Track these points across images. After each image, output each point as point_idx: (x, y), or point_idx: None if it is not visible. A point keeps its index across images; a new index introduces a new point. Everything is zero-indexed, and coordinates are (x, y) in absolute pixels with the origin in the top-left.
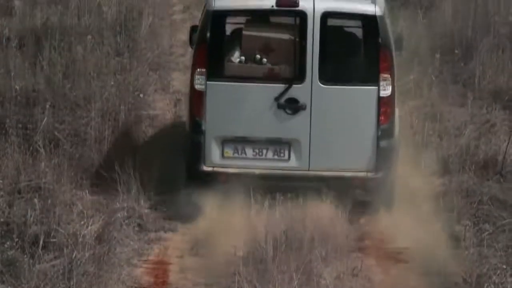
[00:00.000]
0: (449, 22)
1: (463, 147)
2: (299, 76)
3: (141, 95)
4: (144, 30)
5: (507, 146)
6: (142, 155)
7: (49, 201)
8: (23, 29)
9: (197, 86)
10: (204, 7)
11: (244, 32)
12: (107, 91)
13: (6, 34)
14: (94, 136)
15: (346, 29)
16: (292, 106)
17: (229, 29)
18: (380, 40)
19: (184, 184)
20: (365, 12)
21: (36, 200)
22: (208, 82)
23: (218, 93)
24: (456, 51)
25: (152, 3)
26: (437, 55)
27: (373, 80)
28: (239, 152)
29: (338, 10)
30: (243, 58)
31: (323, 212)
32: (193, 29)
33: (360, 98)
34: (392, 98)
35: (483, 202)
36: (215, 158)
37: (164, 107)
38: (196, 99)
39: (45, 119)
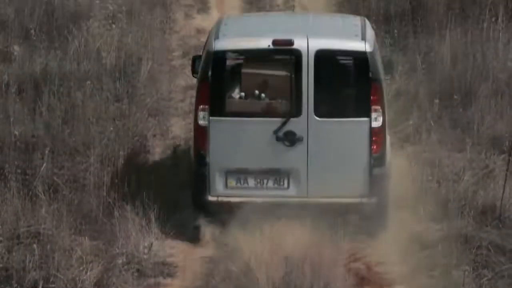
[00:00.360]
0: (448, 68)
1: (461, 193)
2: (296, 110)
3: (140, 141)
4: (143, 76)
5: (503, 192)
6: (141, 200)
7: (48, 247)
8: (23, 74)
9: (200, 122)
10: (205, 47)
11: (244, 70)
12: (106, 136)
13: (5, 80)
14: (93, 182)
15: (338, 65)
16: (290, 139)
17: (229, 67)
18: (370, 74)
19: (189, 216)
20: (355, 49)
21: (35, 246)
22: (211, 118)
23: (221, 127)
24: (455, 97)
25: (151, 49)
26: (436, 101)
27: (365, 112)
28: (242, 182)
29: (331, 48)
30: (243, 94)
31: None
32: (194, 59)
33: (353, 129)
34: (383, 128)
35: (482, 247)
36: (220, 188)
37: (163, 153)
38: (200, 133)
39: (44, 164)
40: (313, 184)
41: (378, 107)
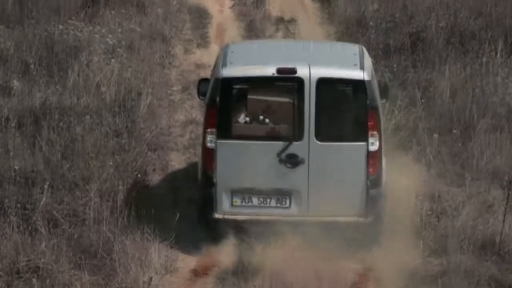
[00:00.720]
0: (447, 102)
1: (461, 227)
2: (298, 134)
3: (140, 176)
4: (143, 111)
5: (502, 226)
6: (141, 235)
7: (48, 282)
8: (22, 109)
9: (208, 144)
10: (212, 73)
11: (249, 97)
12: (106, 171)
13: (5, 114)
14: (92, 217)
15: (338, 92)
16: (292, 161)
17: (235, 93)
18: (368, 102)
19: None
20: (354, 78)
21: (34, 280)
22: (218, 141)
23: (227, 150)
24: (454, 131)
25: (151, 83)
26: (435, 135)
27: (363, 137)
28: (246, 201)
29: (331, 76)
30: (248, 119)
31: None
32: (200, 82)
33: (352, 152)
34: (380, 152)
35: (482, 282)
36: (225, 206)
37: (162, 187)
38: (208, 155)
39: (44, 199)
40: (313, 203)
41: (375, 132)
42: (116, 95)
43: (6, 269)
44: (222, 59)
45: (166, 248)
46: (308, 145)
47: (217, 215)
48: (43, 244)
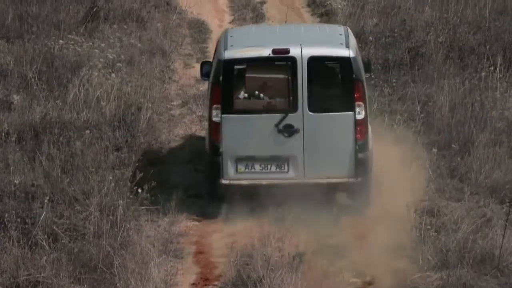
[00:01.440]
0: (446, 117)
1: (460, 242)
2: (292, 107)
3: (139, 190)
4: (143, 125)
5: (502, 241)
6: (140, 249)
7: None
8: (22, 123)
9: (214, 118)
10: (214, 57)
11: (247, 75)
12: (106, 186)
13: (5, 129)
14: (92, 231)
15: (327, 69)
16: (289, 131)
17: (236, 73)
18: (354, 76)
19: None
20: (341, 55)
21: None
22: (222, 115)
23: (231, 123)
24: (453, 146)
25: (151, 98)
26: (434, 150)
27: (350, 107)
28: (250, 168)
29: (320, 54)
30: (247, 95)
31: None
32: (202, 64)
33: (341, 121)
34: (366, 120)
35: None
36: (231, 173)
37: (162, 202)
38: (214, 128)
39: (44, 213)
40: (309, 167)
41: (361, 103)
42: (116, 110)
43: (6, 284)
44: (223, 43)
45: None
46: (302, 116)
47: (223, 181)
48: (43, 258)
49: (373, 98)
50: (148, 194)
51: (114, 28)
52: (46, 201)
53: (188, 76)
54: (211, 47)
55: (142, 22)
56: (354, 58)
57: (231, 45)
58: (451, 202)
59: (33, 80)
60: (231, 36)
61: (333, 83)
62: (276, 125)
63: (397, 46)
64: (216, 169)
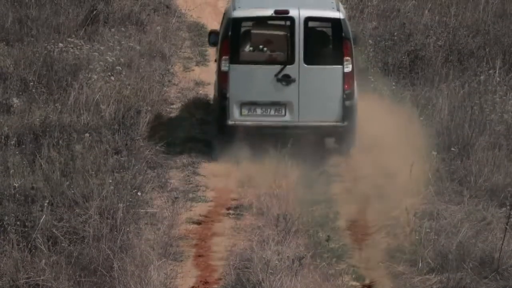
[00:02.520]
0: (445, 120)
1: (460, 245)
2: (290, 59)
3: (139, 193)
4: (142, 128)
5: (502, 244)
6: (140, 252)
7: None
8: (22, 126)
9: (223, 68)
10: (224, 16)
11: (252, 31)
12: (105, 189)
13: (5, 132)
14: (92, 234)
15: (320, 28)
16: (286, 80)
17: (243, 29)
18: (343, 34)
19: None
20: (332, 17)
21: None
22: (230, 65)
23: (237, 72)
24: (453, 149)
25: (150, 101)
26: (434, 153)
27: (339, 61)
28: (252, 111)
29: (315, 15)
30: (252, 48)
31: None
32: (210, 33)
33: (331, 73)
34: (353, 73)
35: None
36: (236, 115)
37: (161, 205)
38: (223, 76)
39: (44, 216)
40: (303, 112)
41: (349, 58)
42: (116, 113)
43: (5, 287)
44: (232, 4)
45: (165, 265)
46: (298, 68)
47: (230, 122)
48: (43, 261)
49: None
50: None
51: (113, 31)
52: (45, 204)
53: (188, 79)
54: (211, 51)
55: (142, 25)
56: (344, 20)
57: (239, 7)
58: (450, 205)
59: (32, 83)
60: (239, 0)
61: (325, 41)
62: (276, 75)
63: (396, 50)
64: (223, 112)
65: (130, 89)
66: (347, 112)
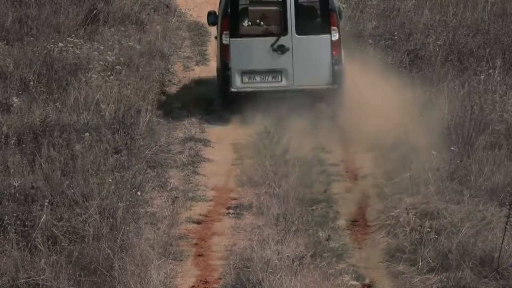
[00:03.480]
0: (446, 120)
1: (460, 244)
2: (284, 31)
3: (139, 193)
4: (142, 128)
5: (502, 243)
6: (140, 252)
7: None
8: (22, 126)
9: (224, 42)
10: None
11: (250, 8)
12: (105, 188)
13: (4, 131)
14: (92, 233)
15: (310, 2)
16: (281, 49)
17: (241, 6)
18: (330, 7)
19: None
20: None
21: None
22: (230, 39)
23: (237, 44)
24: (453, 148)
25: (150, 101)
26: (434, 152)
27: (327, 31)
28: (252, 79)
29: None
30: (249, 23)
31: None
32: (208, 14)
33: (321, 42)
34: (339, 41)
35: None
36: (238, 83)
37: (161, 205)
38: (224, 49)
39: (44, 216)
40: (297, 77)
41: (335, 28)
42: (116, 112)
43: (5, 286)
44: None
45: (165, 264)
46: (291, 38)
47: (232, 89)
48: (43, 261)
49: None
50: None
51: (113, 31)
52: (45, 203)
53: (188, 78)
54: (210, 50)
55: (142, 25)
56: None
57: None
58: (450, 205)
59: (32, 82)
60: None
61: (314, 13)
62: (272, 46)
63: (396, 49)
64: (226, 81)
65: (130, 89)
66: (336, 76)
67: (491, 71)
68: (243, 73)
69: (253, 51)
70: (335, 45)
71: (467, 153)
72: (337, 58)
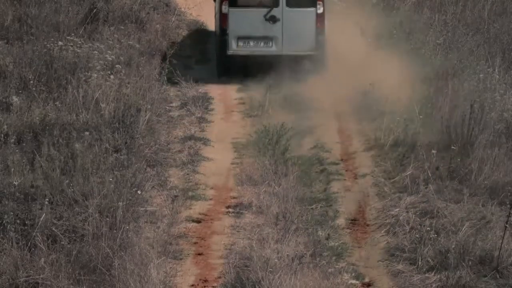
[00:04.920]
0: (446, 118)
1: (459, 243)
2: (275, 3)
3: (139, 192)
4: (142, 127)
5: (501, 242)
6: (140, 251)
7: None
8: (21, 125)
9: (223, 10)
10: None
11: None
12: (105, 187)
13: (4, 130)
14: (92, 232)
15: None
16: (273, 19)
17: None
18: None
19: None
20: None
21: None
22: (229, 8)
23: (235, 13)
24: (453, 147)
25: (150, 99)
26: (434, 151)
27: (313, 5)
28: (246, 44)
29: None
30: None
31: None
32: None
33: (307, 14)
34: (323, 14)
35: None
36: (234, 47)
37: (161, 204)
38: (223, 17)
39: (43, 215)
40: (286, 44)
41: (320, 2)
42: (115, 111)
43: (5, 285)
44: None
45: (165, 263)
46: (282, 10)
47: (229, 52)
48: (42, 260)
49: None
50: None
51: (113, 30)
52: (45, 202)
53: (188, 77)
54: (211, 49)
55: (141, 24)
56: None
57: None
58: (450, 204)
59: (32, 81)
60: None
61: None
62: (265, 16)
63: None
64: (223, 45)
65: (129, 88)
66: (319, 44)
67: (490, 69)
68: (239, 38)
69: (248, 20)
70: (319, 17)
71: (467, 152)
72: (321, 29)
